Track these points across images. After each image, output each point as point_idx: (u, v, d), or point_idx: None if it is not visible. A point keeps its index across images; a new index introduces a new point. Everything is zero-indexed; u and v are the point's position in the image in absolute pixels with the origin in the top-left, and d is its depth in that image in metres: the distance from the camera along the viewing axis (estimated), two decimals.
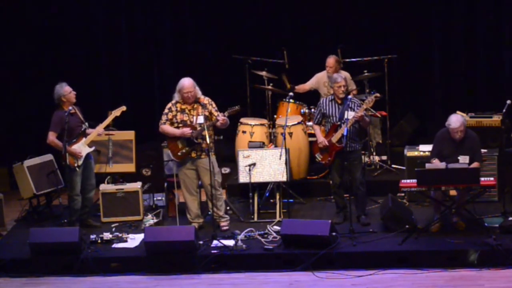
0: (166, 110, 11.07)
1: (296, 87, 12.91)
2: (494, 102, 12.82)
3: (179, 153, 11.02)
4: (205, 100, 11.01)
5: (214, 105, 11.03)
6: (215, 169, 11.03)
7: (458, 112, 11.92)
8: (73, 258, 10.31)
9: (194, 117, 10.96)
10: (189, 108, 10.99)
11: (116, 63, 14.11)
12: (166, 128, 11.02)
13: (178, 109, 11.01)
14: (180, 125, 10.99)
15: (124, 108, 11.50)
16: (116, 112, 11.48)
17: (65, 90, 11.14)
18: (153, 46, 14.11)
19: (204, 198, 11.54)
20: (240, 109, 11.14)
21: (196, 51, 14.10)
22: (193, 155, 11.00)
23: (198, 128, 10.88)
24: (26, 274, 10.34)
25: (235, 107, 11.02)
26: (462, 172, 10.33)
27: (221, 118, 10.84)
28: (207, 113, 10.95)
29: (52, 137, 11.13)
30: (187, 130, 10.90)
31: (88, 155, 11.29)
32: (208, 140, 10.69)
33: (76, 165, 11.12)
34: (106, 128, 11.57)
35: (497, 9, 13.52)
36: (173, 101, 11.04)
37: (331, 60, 12.62)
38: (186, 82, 10.89)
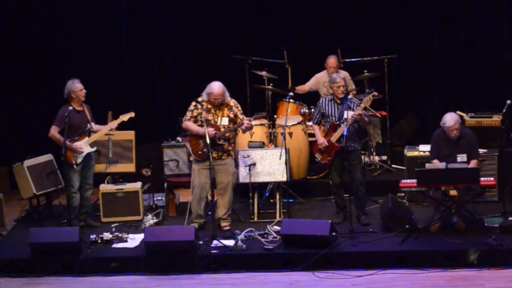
0: (191, 107, 11.03)
1: (297, 87, 12.91)
2: (494, 102, 12.83)
3: (199, 152, 10.99)
4: (232, 102, 11.00)
5: (239, 108, 11.04)
6: (233, 171, 11.07)
7: (458, 112, 11.94)
8: (73, 258, 10.31)
9: (219, 118, 10.95)
10: (215, 108, 10.97)
11: (116, 63, 14.11)
12: (190, 125, 10.99)
13: (204, 107, 10.98)
14: (204, 124, 10.95)
15: (132, 114, 11.49)
16: (124, 117, 11.47)
17: (76, 87, 11.15)
18: (154, 46, 14.11)
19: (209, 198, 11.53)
20: (266, 115, 11.15)
21: (196, 51, 14.10)
22: (214, 155, 10.95)
23: (222, 129, 10.88)
24: (26, 274, 10.34)
25: (263, 113, 11.07)
26: (462, 172, 10.33)
27: (246, 122, 10.86)
28: (232, 115, 10.95)
29: (53, 131, 11.13)
30: (211, 130, 10.84)
31: (89, 155, 11.28)
32: (208, 140, 10.68)
33: (74, 162, 11.12)
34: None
35: (497, 9, 13.52)
36: (200, 99, 11.00)
37: (332, 60, 12.62)
38: (216, 89, 10.84)
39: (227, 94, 10.97)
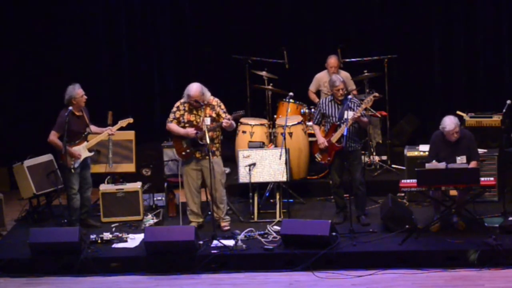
0: (174, 109, 11.07)
1: (311, 98, 12.83)
2: (494, 102, 12.83)
3: (183, 153, 11.03)
4: (214, 101, 11.00)
5: (222, 106, 11.02)
6: (221, 170, 11.04)
7: (458, 112, 11.94)
8: (73, 258, 10.32)
9: (202, 118, 10.96)
10: (197, 109, 10.97)
11: (117, 63, 14.11)
12: (172, 126, 11.02)
13: (186, 108, 11.00)
14: (187, 125, 10.98)
15: (131, 120, 11.53)
16: (123, 123, 11.50)
17: (77, 92, 11.12)
18: (153, 46, 14.11)
19: (204, 198, 11.54)
20: (244, 113, 11.13)
21: (196, 51, 14.10)
22: (198, 155, 10.99)
23: (204, 129, 10.88)
24: (26, 274, 10.35)
25: (240, 111, 11.05)
26: (462, 172, 10.33)
27: (224, 121, 10.85)
28: (214, 115, 10.95)
29: (53, 136, 11.12)
30: (191, 131, 10.90)
31: (85, 158, 11.28)
32: (208, 140, 10.69)
33: (72, 166, 11.11)
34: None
35: (497, 9, 13.52)
36: (182, 100, 11.02)
37: (333, 60, 12.60)
38: (192, 91, 10.85)
39: (208, 94, 10.95)
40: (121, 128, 11.75)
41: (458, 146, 10.57)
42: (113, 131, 11.42)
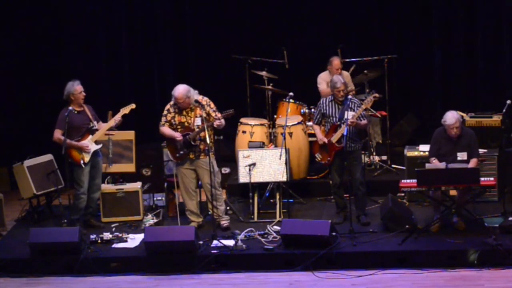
0: (165, 112, 11.09)
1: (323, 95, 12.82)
2: (494, 102, 12.82)
3: (177, 155, 11.03)
4: (203, 101, 11.00)
5: (212, 105, 11.02)
6: (214, 169, 11.03)
7: (458, 112, 11.92)
8: (73, 258, 10.32)
9: (192, 119, 10.96)
10: (187, 110, 10.98)
11: (117, 63, 14.11)
12: (165, 130, 11.04)
13: (176, 110, 11.01)
14: (179, 126, 10.98)
15: (133, 106, 11.47)
16: (125, 110, 11.44)
17: (76, 89, 11.12)
18: (153, 46, 14.12)
19: (203, 197, 11.54)
20: (234, 113, 11.11)
21: (196, 51, 14.10)
22: (191, 156, 11.00)
23: (196, 130, 10.88)
24: (26, 274, 10.35)
25: (230, 110, 11.02)
26: (462, 172, 10.34)
27: (216, 122, 10.85)
28: (204, 114, 10.94)
29: (57, 134, 11.11)
30: (178, 135, 10.88)
31: (96, 153, 11.26)
32: (208, 140, 10.69)
33: (82, 162, 11.10)
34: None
35: (497, 9, 13.52)
36: (172, 102, 11.04)
37: (337, 62, 12.55)
38: (177, 93, 10.85)
39: (194, 96, 10.93)
40: (122, 127, 11.74)
41: (459, 142, 10.60)
42: (117, 120, 11.38)
